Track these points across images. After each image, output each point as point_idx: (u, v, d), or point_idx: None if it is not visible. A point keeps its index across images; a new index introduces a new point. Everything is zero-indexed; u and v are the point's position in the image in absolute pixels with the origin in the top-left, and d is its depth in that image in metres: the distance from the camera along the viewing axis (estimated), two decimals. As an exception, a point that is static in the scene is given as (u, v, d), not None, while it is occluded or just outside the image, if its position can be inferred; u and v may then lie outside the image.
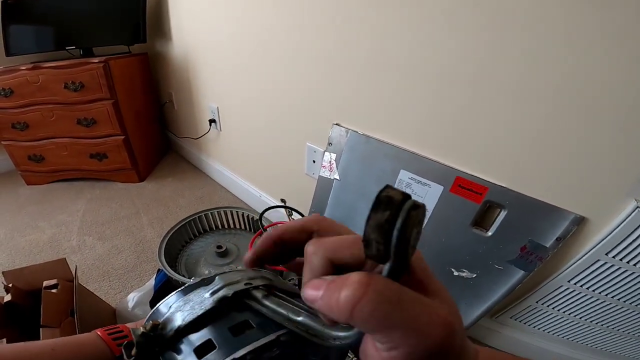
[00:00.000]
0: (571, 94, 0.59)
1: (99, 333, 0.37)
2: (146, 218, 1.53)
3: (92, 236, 1.41)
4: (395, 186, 0.73)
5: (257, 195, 1.52)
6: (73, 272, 0.88)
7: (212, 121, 1.61)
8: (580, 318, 0.79)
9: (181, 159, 2.10)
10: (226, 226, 1.03)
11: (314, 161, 1.12)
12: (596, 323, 0.78)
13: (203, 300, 0.24)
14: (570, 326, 0.83)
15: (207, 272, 0.84)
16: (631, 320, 0.73)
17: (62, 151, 1.66)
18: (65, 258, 0.92)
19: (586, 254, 0.69)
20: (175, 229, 0.90)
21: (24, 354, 0.33)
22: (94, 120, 1.58)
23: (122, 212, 1.56)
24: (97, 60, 1.43)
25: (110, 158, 1.70)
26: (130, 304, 1.04)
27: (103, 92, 1.50)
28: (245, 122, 1.41)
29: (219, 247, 0.87)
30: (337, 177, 0.97)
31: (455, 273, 0.83)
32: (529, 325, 0.90)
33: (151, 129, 1.93)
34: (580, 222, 0.66)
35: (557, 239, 0.69)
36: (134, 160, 1.72)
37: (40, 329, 0.74)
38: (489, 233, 0.76)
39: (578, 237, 0.69)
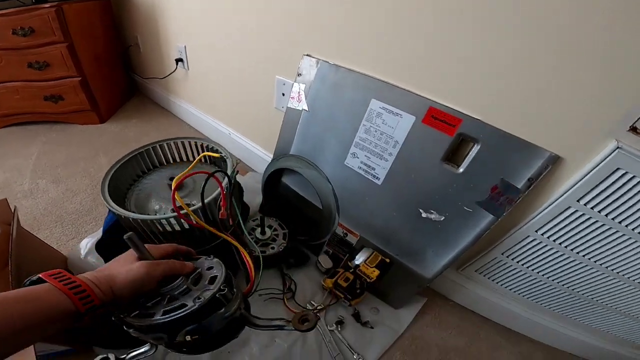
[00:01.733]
0: (550, 21, 0.53)
1: (56, 285, 0.35)
2: (106, 159, 1.43)
3: (46, 179, 1.31)
4: (365, 116, 0.79)
5: (226, 132, 1.47)
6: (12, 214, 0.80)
7: (179, 60, 1.51)
8: (544, 275, 0.77)
9: (148, 101, 1.98)
10: (184, 159, 0.95)
11: (283, 94, 1.05)
12: (559, 282, 0.76)
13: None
14: (533, 284, 0.81)
15: (157, 207, 0.78)
16: (595, 283, 0.71)
17: (14, 95, 1.52)
18: (6, 199, 0.83)
19: (557, 199, 0.65)
20: (123, 161, 0.81)
21: None
22: (46, 63, 1.44)
23: (79, 153, 1.46)
24: (48, 6, 1.30)
25: (67, 100, 1.57)
26: (83, 252, 0.99)
27: (56, 35, 1.37)
28: (213, 58, 1.33)
29: (172, 179, 0.80)
30: (306, 108, 0.90)
31: (424, 215, 0.78)
32: (493, 280, 0.88)
33: (113, 71, 1.78)
34: (555, 161, 0.61)
35: (529, 179, 0.64)
36: (93, 102, 1.61)
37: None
38: (460, 170, 0.71)
39: (550, 179, 0.65)
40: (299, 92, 0.90)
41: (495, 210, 0.69)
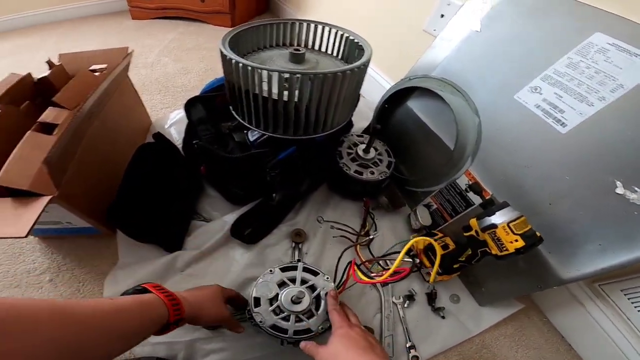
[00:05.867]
0: None
1: (161, 298, 0.41)
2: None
3: (169, 57, 1.36)
4: (577, 49, 0.57)
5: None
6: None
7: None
8: None
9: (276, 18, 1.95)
10: (316, 48, 0.82)
11: (442, 15, 0.85)
12: None
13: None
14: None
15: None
16: None
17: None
18: (127, 47, 0.80)
19: None
20: (250, 26, 0.71)
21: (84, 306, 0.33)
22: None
23: (206, 44, 1.50)
24: None
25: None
26: (169, 121, 0.99)
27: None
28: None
29: (297, 49, 0.66)
30: (477, 28, 0.68)
31: (619, 190, 0.50)
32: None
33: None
34: None
35: None
36: (232, 6, 1.63)
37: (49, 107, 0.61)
38: None
39: None
40: (473, 10, 0.70)
41: None
